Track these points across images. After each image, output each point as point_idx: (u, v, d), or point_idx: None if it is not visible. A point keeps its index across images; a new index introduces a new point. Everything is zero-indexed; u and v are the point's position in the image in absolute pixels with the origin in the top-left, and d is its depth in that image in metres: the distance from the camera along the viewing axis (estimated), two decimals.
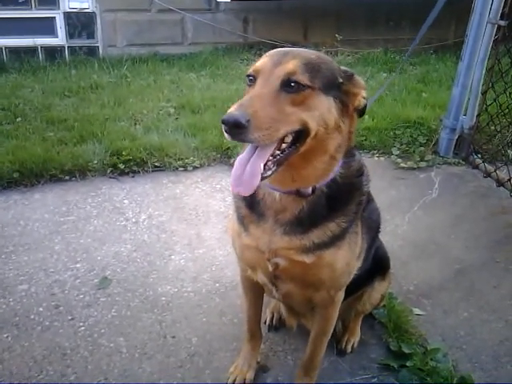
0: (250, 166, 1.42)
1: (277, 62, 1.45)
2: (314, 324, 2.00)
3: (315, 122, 1.44)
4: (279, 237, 1.67)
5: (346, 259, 1.72)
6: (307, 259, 1.66)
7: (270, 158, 1.43)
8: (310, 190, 1.59)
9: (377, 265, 2.20)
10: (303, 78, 1.41)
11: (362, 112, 1.63)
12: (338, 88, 1.50)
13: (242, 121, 1.30)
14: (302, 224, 1.64)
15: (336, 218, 1.64)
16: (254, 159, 1.42)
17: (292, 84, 1.41)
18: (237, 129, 1.31)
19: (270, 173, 1.43)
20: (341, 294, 1.90)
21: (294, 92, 1.41)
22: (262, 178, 1.41)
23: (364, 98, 1.57)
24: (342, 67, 1.60)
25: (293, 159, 1.49)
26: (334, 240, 1.65)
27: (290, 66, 1.42)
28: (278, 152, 1.44)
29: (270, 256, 1.72)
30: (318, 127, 1.45)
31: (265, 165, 1.41)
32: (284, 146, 1.45)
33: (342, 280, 1.81)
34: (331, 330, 2.02)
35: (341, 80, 1.52)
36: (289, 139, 1.44)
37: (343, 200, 1.65)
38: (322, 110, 1.45)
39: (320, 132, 1.46)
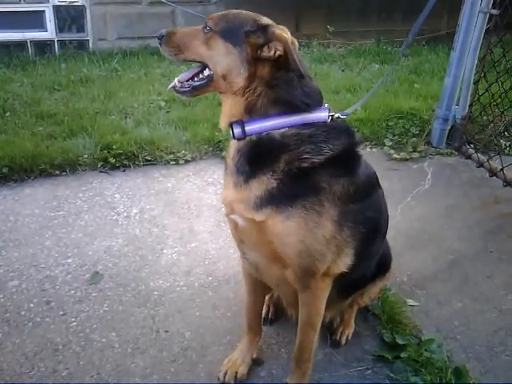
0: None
1: None
2: (299, 313, 1.97)
3: (214, 61, 1.74)
4: (231, 189, 1.81)
5: (300, 236, 1.70)
6: (256, 216, 1.72)
7: (190, 81, 1.82)
8: (239, 131, 1.74)
9: (382, 265, 2.22)
10: (210, 23, 1.75)
11: (290, 66, 1.68)
12: (242, 37, 1.69)
13: (159, 33, 1.82)
14: (243, 173, 1.76)
15: (267, 172, 1.71)
16: (179, 76, 1.85)
17: (207, 27, 1.75)
18: (158, 39, 1.82)
19: (183, 90, 1.83)
20: (319, 283, 1.85)
21: (205, 33, 1.75)
22: (178, 92, 1.85)
23: (279, 50, 1.66)
24: (270, 23, 1.74)
25: (221, 98, 1.82)
26: (276, 200, 1.70)
27: (212, 15, 1.78)
28: (196, 79, 1.81)
29: (228, 211, 1.86)
30: (217, 66, 1.73)
31: (183, 82, 1.82)
32: (201, 76, 1.80)
33: (303, 261, 1.76)
34: (317, 322, 1.98)
35: (247, 30, 1.69)
36: (206, 73, 1.77)
37: (272, 155, 1.72)
38: (219, 51, 1.72)
39: (221, 72, 1.72)
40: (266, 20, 1.75)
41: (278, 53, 1.66)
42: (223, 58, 1.71)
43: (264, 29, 1.69)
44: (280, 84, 1.70)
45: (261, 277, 2.06)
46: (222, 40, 1.71)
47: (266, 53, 1.67)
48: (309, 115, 1.73)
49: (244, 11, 1.79)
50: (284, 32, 1.69)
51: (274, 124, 1.71)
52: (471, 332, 2.41)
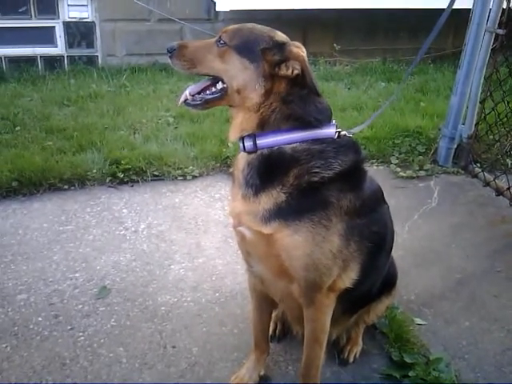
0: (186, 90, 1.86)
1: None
2: (305, 329, 1.98)
3: (228, 76, 1.74)
4: (239, 201, 1.81)
5: (307, 249, 1.72)
6: (264, 229, 1.74)
7: (201, 93, 1.82)
8: (251, 144, 1.75)
9: (388, 282, 2.23)
10: (225, 37, 1.75)
11: (306, 83, 1.72)
12: (258, 53, 1.71)
13: (169, 46, 1.80)
14: (252, 186, 1.77)
15: (276, 186, 1.73)
16: (188, 88, 1.85)
17: (221, 41, 1.75)
18: (168, 52, 1.80)
19: (194, 103, 1.83)
20: (324, 299, 1.86)
21: (219, 46, 1.75)
22: (189, 105, 1.84)
23: (296, 69, 1.69)
24: (286, 40, 1.76)
25: (232, 112, 1.83)
26: (284, 213, 1.71)
27: (226, 29, 1.78)
28: (208, 92, 1.81)
29: (236, 223, 1.86)
30: (232, 81, 1.73)
31: (194, 95, 1.82)
32: (214, 89, 1.79)
33: (309, 275, 1.77)
34: (323, 338, 1.98)
35: (263, 47, 1.71)
36: (219, 86, 1.77)
37: (282, 169, 1.74)
38: (234, 66, 1.72)
39: (236, 86, 1.73)
40: (281, 36, 1.77)
41: (295, 72, 1.69)
42: (239, 73, 1.72)
43: (281, 46, 1.71)
44: (295, 100, 1.73)
45: (266, 290, 2.07)
46: (238, 55, 1.71)
47: (284, 71, 1.69)
48: (319, 131, 1.76)
49: (258, 26, 1.80)
50: (301, 50, 1.72)
51: (286, 139, 1.73)
52: (479, 351, 2.41)
